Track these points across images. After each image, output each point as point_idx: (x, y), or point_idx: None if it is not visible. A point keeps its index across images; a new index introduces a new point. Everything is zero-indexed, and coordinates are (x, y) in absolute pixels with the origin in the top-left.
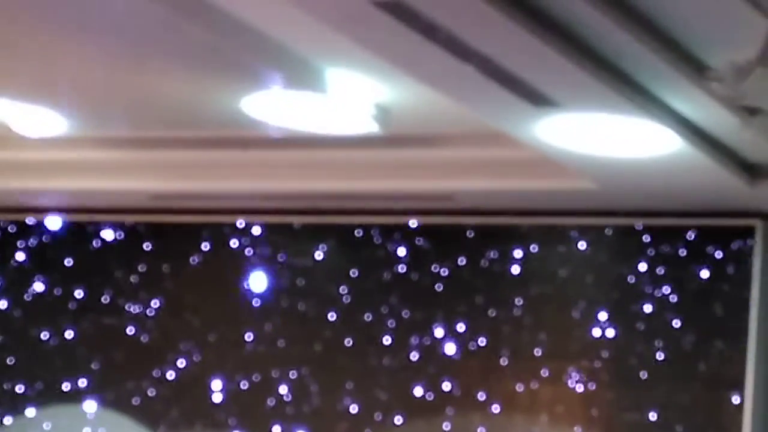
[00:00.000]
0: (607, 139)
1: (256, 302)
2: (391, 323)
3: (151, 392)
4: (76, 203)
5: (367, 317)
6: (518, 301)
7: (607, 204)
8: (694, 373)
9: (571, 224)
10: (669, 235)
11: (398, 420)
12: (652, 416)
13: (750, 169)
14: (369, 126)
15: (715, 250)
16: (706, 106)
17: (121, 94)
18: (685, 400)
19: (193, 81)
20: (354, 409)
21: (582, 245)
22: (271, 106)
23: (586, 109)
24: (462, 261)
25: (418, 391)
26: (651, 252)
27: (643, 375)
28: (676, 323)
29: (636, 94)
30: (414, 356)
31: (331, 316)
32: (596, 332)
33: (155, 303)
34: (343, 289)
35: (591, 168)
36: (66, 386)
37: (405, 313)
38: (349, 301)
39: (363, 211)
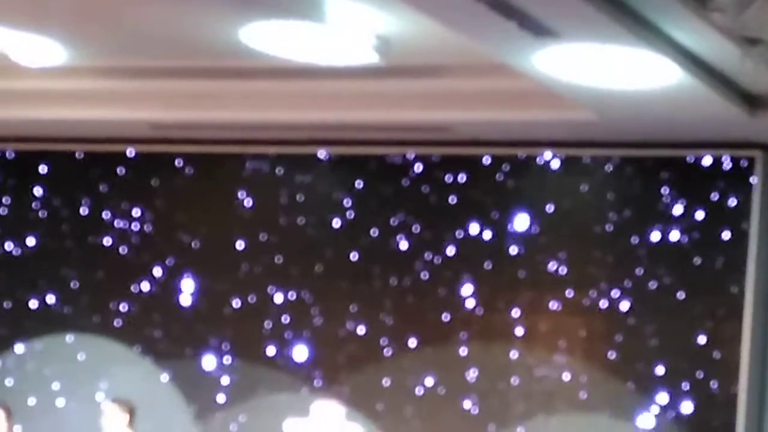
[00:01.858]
0: (608, 70)
1: (251, 217)
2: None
3: (131, 309)
4: (76, 133)
5: (374, 232)
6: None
7: (608, 135)
8: (696, 302)
9: (571, 155)
10: (670, 165)
11: (412, 343)
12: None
13: (750, 100)
14: (369, 57)
15: (716, 181)
16: (707, 37)
17: (120, 23)
18: (685, 320)
19: (191, 10)
20: (361, 330)
21: (582, 175)
22: (270, 36)
23: (586, 39)
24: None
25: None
26: (652, 182)
27: (624, 306)
28: (679, 253)
29: (637, 24)
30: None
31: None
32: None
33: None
34: (347, 202)
35: (591, 99)
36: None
37: (415, 228)
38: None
39: (362, 141)
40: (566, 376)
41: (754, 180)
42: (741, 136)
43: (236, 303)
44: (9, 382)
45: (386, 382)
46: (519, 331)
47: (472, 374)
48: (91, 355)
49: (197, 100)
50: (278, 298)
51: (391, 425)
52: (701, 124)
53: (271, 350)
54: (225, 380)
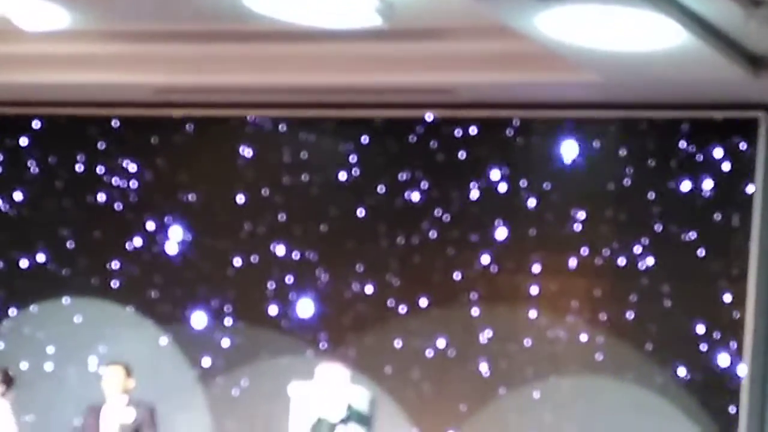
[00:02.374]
0: (612, 32)
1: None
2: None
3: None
4: (81, 97)
5: (381, 189)
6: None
7: (611, 97)
8: (695, 262)
9: (576, 116)
10: (673, 127)
11: (421, 303)
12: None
13: (754, 62)
14: (372, 19)
15: (720, 142)
16: None
17: None
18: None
19: None
20: (368, 291)
21: (590, 134)
22: None
23: (589, 0)
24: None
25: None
26: (657, 144)
27: (642, 265)
28: (672, 218)
29: None
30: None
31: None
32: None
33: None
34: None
35: (595, 61)
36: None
37: (423, 185)
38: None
39: (365, 104)
40: (581, 338)
41: (757, 140)
42: (745, 97)
43: (238, 263)
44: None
45: (394, 344)
46: (532, 290)
47: (483, 335)
48: (87, 318)
49: (201, 64)
50: (282, 257)
51: (398, 388)
52: (705, 86)
53: (274, 311)
54: (227, 343)
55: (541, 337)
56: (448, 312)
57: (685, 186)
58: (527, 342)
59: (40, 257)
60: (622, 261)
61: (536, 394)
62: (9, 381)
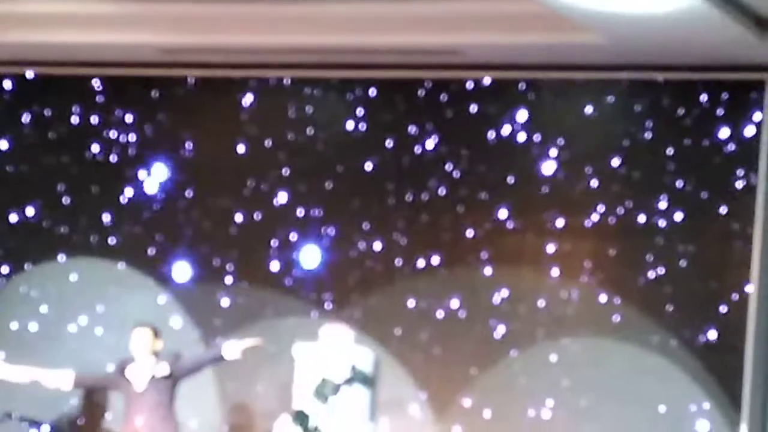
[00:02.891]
0: None
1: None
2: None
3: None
4: (87, 57)
5: (388, 144)
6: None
7: (617, 59)
8: (705, 228)
9: (580, 78)
10: (679, 90)
11: (429, 263)
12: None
13: (761, 23)
14: None
15: (726, 105)
16: None
17: None
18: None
19: None
20: (375, 250)
21: (591, 99)
22: None
23: None
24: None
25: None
26: (671, 102)
27: (659, 224)
28: (689, 176)
29: None
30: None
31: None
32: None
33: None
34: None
35: (600, 23)
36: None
37: (433, 139)
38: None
39: (369, 66)
40: (595, 299)
41: (763, 103)
42: (751, 60)
43: (240, 220)
44: None
45: (401, 304)
46: (546, 250)
47: (495, 296)
48: (84, 276)
49: (206, 24)
50: (285, 215)
51: (405, 350)
52: (711, 48)
53: (277, 271)
54: (229, 302)
55: (555, 298)
56: (458, 272)
57: (699, 145)
58: (540, 303)
59: (33, 212)
60: (638, 220)
61: (549, 357)
62: None
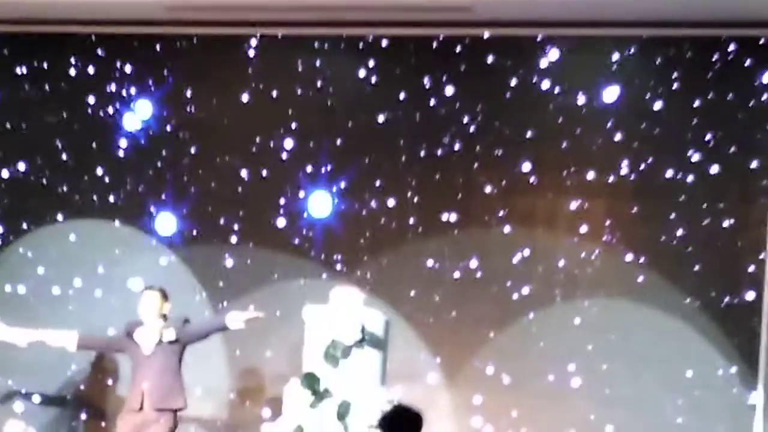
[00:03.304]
0: None
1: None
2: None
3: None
4: (93, 14)
5: (402, 97)
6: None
7: (641, 14)
8: (732, 184)
9: (601, 35)
10: (705, 43)
11: (443, 222)
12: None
13: None
14: None
15: (754, 57)
16: None
17: None
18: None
19: None
20: (387, 208)
21: (614, 51)
22: None
23: None
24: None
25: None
26: (687, 59)
27: (683, 181)
28: (716, 131)
29: None
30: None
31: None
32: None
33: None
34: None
35: None
36: None
37: (448, 91)
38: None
39: (380, 23)
40: (617, 259)
41: None
42: None
43: (247, 177)
44: None
45: (415, 265)
46: (566, 208)
47: (512, 256)
48: (83, 237)
49: None
50: (294, 172)
51: (420, 313)
52: (744, 2)
53: (287, 231)
54: (236, 263)
55: (576, 257)
56: (474, 231)
57: (726, 98)
58: (560, 263)
59: (25, 168)
60: (662, 176)
61: (569, 319)
62: None
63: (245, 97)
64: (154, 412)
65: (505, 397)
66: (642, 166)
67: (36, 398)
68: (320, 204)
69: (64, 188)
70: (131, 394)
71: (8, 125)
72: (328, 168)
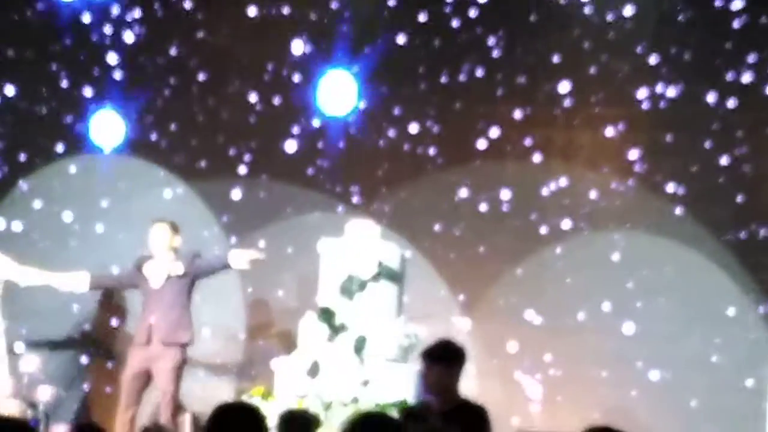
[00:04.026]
0: None
1: None
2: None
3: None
4: None
5: (422, 18)
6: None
7: None
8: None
9: None
10: None
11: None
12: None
13: None
14: None
15: None
16: None
17: None
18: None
19: None
20: (406, 139)
21: None
22: None
23: None
24: None
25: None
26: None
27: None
28: (750, 56)
29: None
30: None
31: None
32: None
33: None
34: None
35: None
36: None
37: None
38: None
39: None
40: (653, 190)
41: None
42: None
43: (258, 106)
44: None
45: (435, 198)
46: (593, 137)
47: (536, 187)
48: (93, 171)
49: None
50: (308, 100)
51: (440, 247)
52: None
53: (301, 162)
54: (251, 197)
55: (606, 189)
56: (496, 162)
57: (760, 22)
58: (591, 195)
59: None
60: (696, 104)
61: (600, 253)
62: None
63: (256, 18)
64: (161, 346)
65: (530, 333)
66: (675, 92)
67: (42, 340)
68: (334, 158)
69: (65, 119)
70: (139, 328)
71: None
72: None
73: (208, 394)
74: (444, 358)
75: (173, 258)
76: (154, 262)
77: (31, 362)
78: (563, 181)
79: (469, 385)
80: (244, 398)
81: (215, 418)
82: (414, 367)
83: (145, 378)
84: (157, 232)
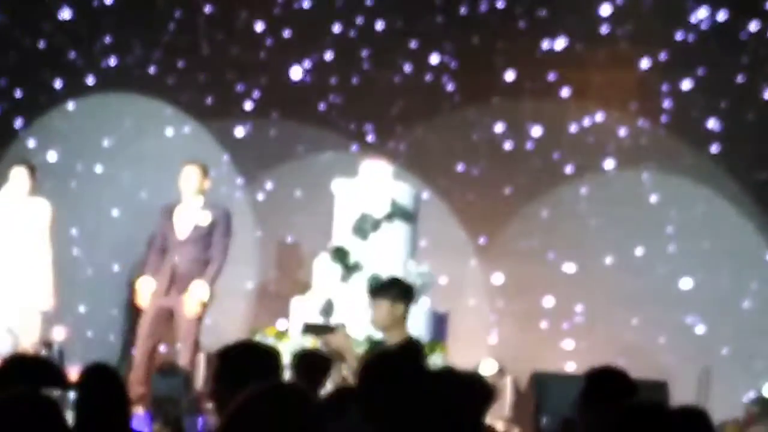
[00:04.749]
0: None
1: None
2: None
3: None
4: None
5: None
6: None
7: None
8: None
9: None
10: None
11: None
12: None
13: None
14: None
15: None
16: None
17: None
18: None
19: None
20: (421, 75)
21: None
22: None
23: None
24: None
25: None
26: None
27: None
28: None
29: None
30: None
31: None
32: None
33: None
34: None
35: None
36: None
37: None
38: None
39: None
40: (687, 127)
41: None
42: None
43: (269, 43)
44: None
45: (453, 136)
46: (613, 75)
47: (563, 125)
48: (90, 108)
49: None
50: (320, 32)
51: (457, 186)
52: None
53: (312, 99)
54: (260, 136)
55: (634, 127)
56: (517, 98)
57: None
58: (620, 133)
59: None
60: (730, 33)
61: (626, 193)
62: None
63: None
64: (182, 297)
65: (554, 277)
66: (713, 21)
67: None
68: (348, 96)
69: (67, 53)
70: (161, 276)
71: None
72: (357, 31)
73: (222, 333)
74: (389, 294)
75: (201, 204)
76: (182, 209)
77: (61, 333)
78: (590, 120)
79: (490, 329)
80: (258, 338)
81: (229, 358)
82: (426, 306)
83: (167, 318)
84: (188, 175)
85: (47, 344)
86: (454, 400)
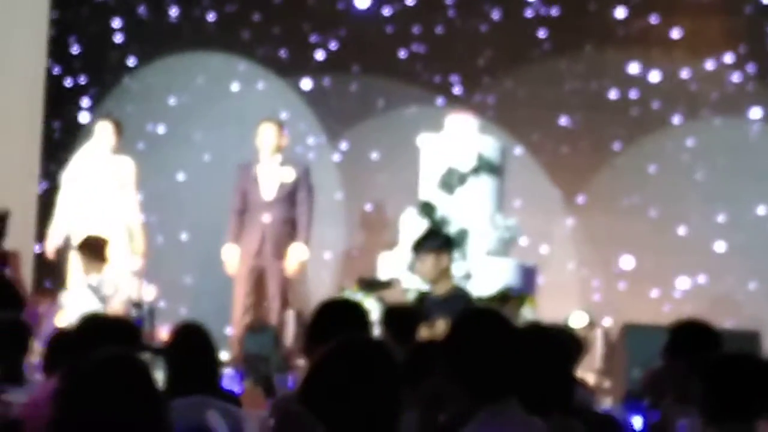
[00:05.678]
0: None
1: None
2: None
3: None
4: None
5: None
6: None
7: None
8: None
9: None
10: None
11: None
12: None
13: None
14: None
15: None
16: None
17: None
18: None
19: None
20: (509, 23)
21: None
22: None
23: None
24: None
25: None
26: None
27: None
28: None
29: None
30: None
31: None
32: None
33: None
34: None
35: None
36: None
37: None
38: None
39: None
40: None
41: None
42: None
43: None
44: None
45: (541, 88)
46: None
47: (643, 76)
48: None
49: None
50: None
51: (545, 140)
52: None
53: (396, 51)
54: (339, 91)
55: (701, 72)
56: (612, 49)
57: None
58: (708, 83)
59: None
60: None
61: (689, 143)
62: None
63: None
64: (271, 258)
65: (638, 229)
66: None
67: None
68: (430, 50)
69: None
70: (249, 237)
71: None
72: None
73: (310, 290)
74: (432, 247)
75: (280, 160)
76: (263, 168)
77: (151, 292)
78: (683, 72)
79: (581, 283)
80: (347, 294)
81: (319, 315)
82: (514, 260)
83: (259, 277)
84: (265, 132)
85: (137, 304)
86: (543, 354)
